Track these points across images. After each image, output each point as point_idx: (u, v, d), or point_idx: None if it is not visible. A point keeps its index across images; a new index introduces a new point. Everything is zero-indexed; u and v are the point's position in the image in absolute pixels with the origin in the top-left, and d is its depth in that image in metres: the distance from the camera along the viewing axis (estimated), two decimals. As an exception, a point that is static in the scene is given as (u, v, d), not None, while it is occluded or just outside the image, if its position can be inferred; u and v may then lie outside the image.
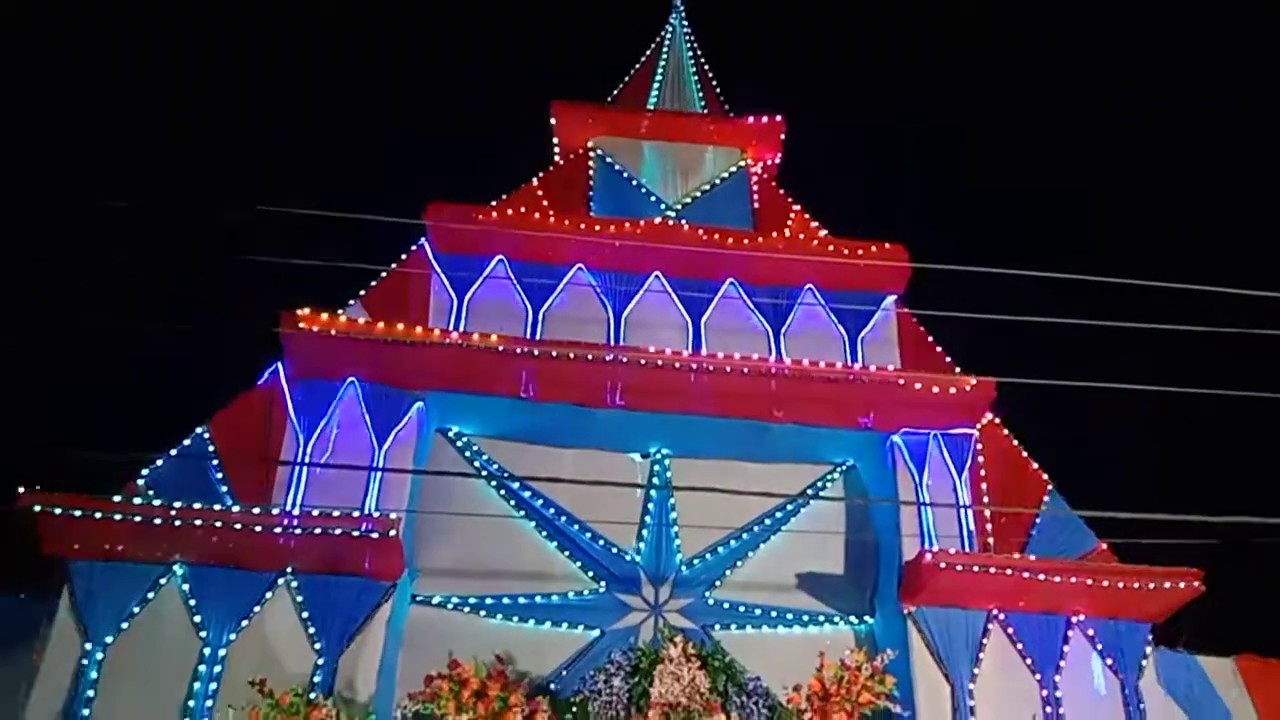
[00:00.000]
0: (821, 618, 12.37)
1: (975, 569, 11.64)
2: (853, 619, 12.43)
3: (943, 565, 11.52)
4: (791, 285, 13.80)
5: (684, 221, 14.36)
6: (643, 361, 12.52)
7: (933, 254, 12.42)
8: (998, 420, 13.31)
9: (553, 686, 11.20)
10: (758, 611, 12.25)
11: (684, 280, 13.68)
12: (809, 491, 13.00)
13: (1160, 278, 10.02)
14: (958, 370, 13.27)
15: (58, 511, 10.55)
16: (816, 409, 12.61)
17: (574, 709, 9.90)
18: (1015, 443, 13.32)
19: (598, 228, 13.75)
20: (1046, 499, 12.87)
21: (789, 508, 12.79)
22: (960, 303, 11.33)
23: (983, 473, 12.91)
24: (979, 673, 11.55)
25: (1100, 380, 10.22)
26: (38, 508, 10.53)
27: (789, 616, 12.29)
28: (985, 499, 12.66)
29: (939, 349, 13.78)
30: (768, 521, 12.73)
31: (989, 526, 12.52)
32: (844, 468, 13.33)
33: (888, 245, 13.91)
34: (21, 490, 10.55)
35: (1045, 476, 13.08)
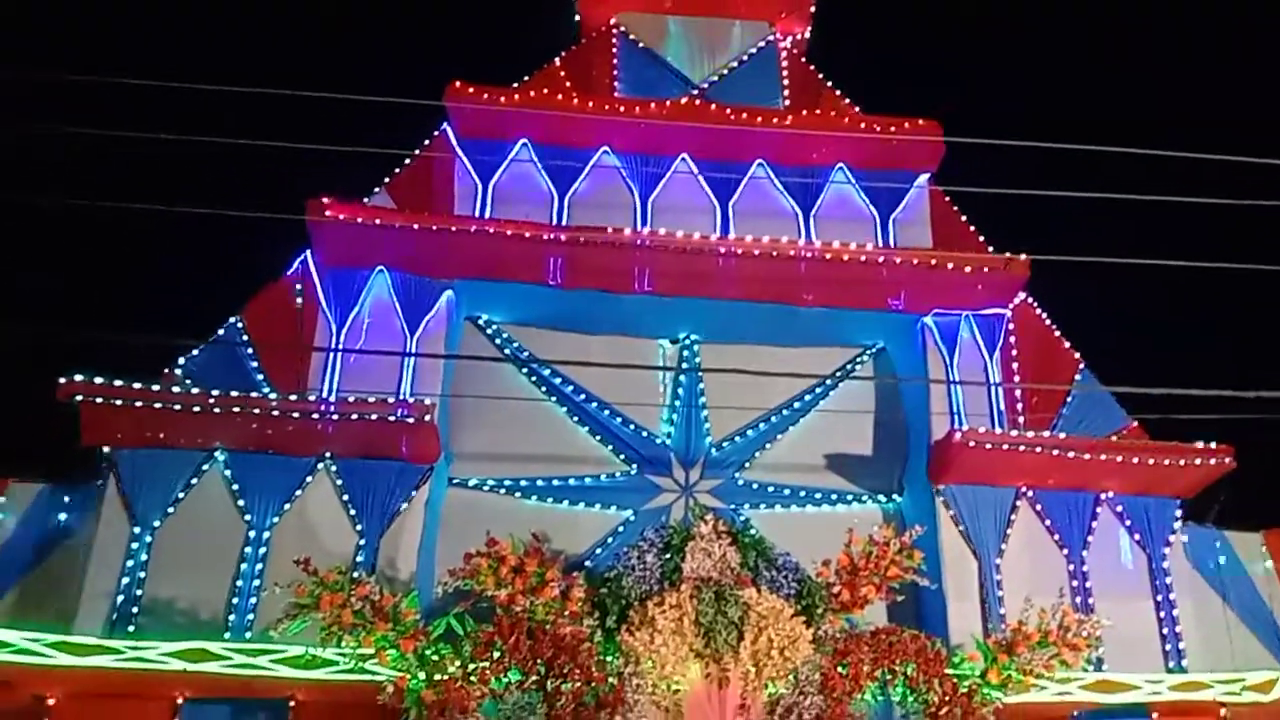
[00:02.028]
0: (850, 497, 12.55)
1: (1004, 447, 11.72)
2: (881, 498, 12.61)
3: (972, 444, 11.61)
4: (822, 165, 13.58)
5: (711, 100, 14.02)
6: (670, 246, 12.43)
7: (967, 130, 12.15)
8: (1031, 300, 13.20)
9: (587, 563, 11.48)
10: (787, 491, 12.45)
11: (712, 162, 13.44)
12: (838, 374, 13.00)
13: (1196, 149, 9.75)
14: (991, 250, 13.08)
15: (99, 401, 10.74)
16: (846, 291, 12.54)
17: (608, 584, 10.13)
18: (1047, 322, 13.24)
19: (622, 109, 13.48)
20: (1078, 377, 12.85)
21: (818, 390, 12.83)
22: (994, 180, 11.11)
23: (1014, 352, 12.89)
24: (1006, 548, 11.73)
25: (1134, 256, 10.05)
26: (79, 398, 10.73)
27: (818, 496, 12.48)
28: (1016, 379, 12.65)
29: (972, 228, 13.58)
30: (796, 405, 12.79)
31: (1019, 405, 12.55)
32: (874, 350, 13.30)
33: (921, 122, 13.56)
34: (62, 381, 10.74)
35: (1077, 355, 13.05)
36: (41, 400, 10.90)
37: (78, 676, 9.82)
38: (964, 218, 13.71)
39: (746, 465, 12.58)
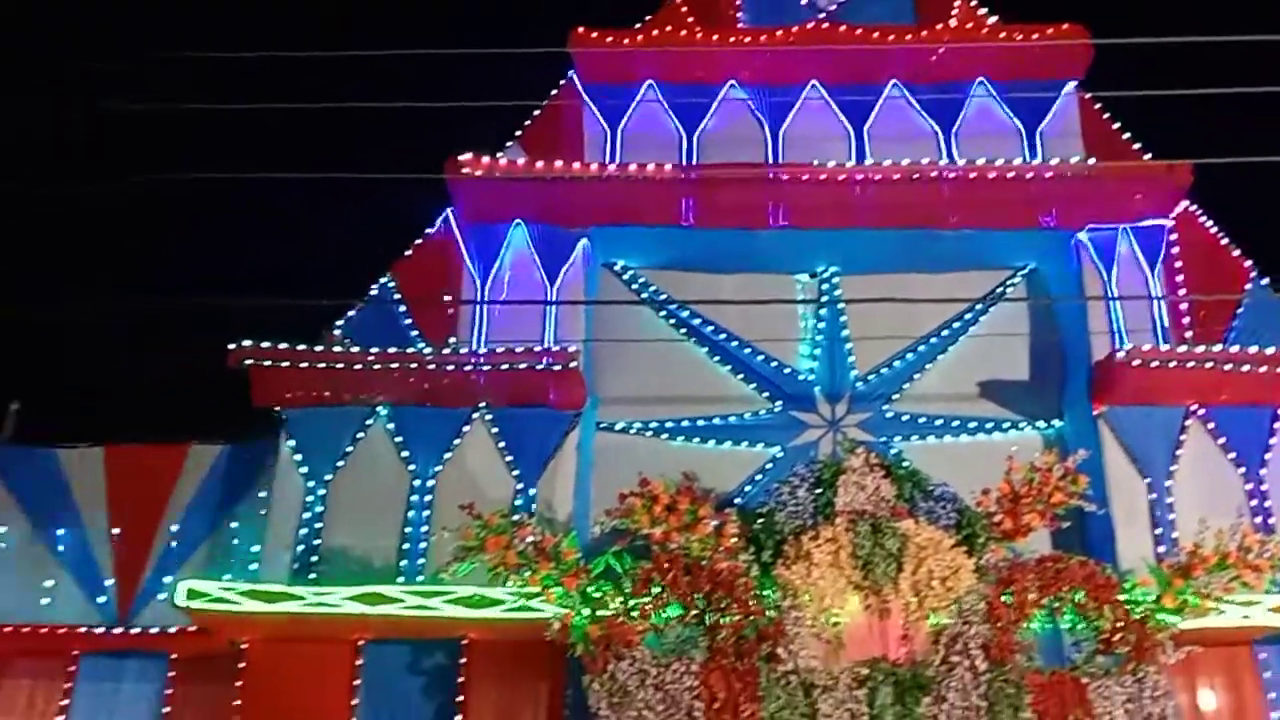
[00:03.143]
0: (1006, 424, 12.18)
1: (1172, 364, 11.19)
2: (1040, 423, 12.19)
3: (1136, 362, 11.12)
4: (960, 80, 13.01)
5: (839, 22, 13.54)
6: (804, 178, 12.20)
7: (1114, 31, 11.46)
8: (1194, 208, 12.43)
9: (737, 501, 11.51)
10: (939, 421, 12.17)
11: (843, 87, 13.05)
12: (988, 298, 12.54)
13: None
14: (1148, 157, 12.35)
15: (267, 364, 11.34)
16: (993, 212, 12.08)
17: (761, 519, 10.16)
18: (1214, 230, 12.46)
19: (748, 39, 13.21)
20: (1248, 286, 12.09)
21: (967, 316, 12.46)
22: (1147, 83, 10.47)
23: (1178, 265, 12.21)
24: (1176, 469, 11.26)
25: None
26: (249, 362, 11.35)
27: (972, 425, 12.16)
28: (1181, 292, 12.00)
29: (1126, 135, 12.85)
30: (945, 332, 12.45)
31: (1186, 320, 11.90)
32: (1025, 271, 12.81)
33: (1065, 26, 12.82)
34: (231, 347, 11.36)
35: (1248, 263, 12.27)
36: (214, 367, 11.59)
37: (267, 622, 10.49)
38: (1117, 125, 12.98)
39: (895, 397, 12.34)
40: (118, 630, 11.47)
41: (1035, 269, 12.80)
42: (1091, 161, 12.25)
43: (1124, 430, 11.34)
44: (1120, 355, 11.14)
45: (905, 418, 12.24)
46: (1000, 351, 12.37)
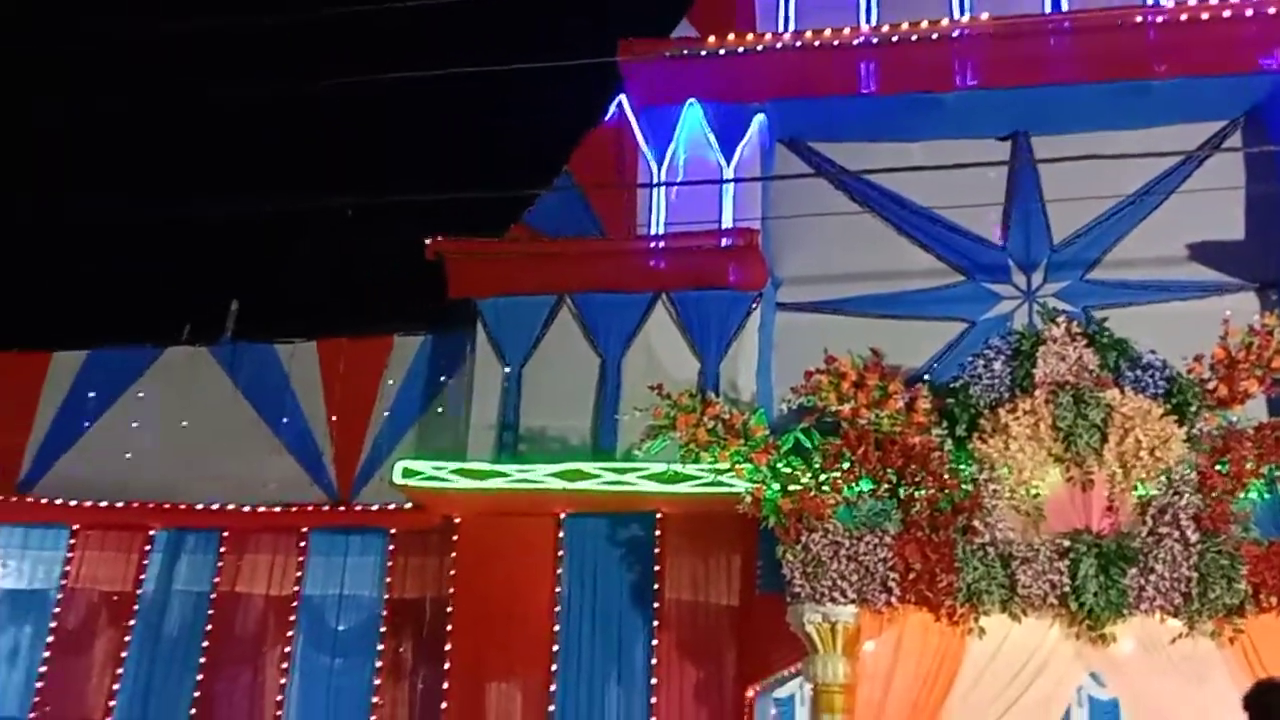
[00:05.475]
0: (1220, 286, 11.45)
1: None
2: (1257, 284, 11.40)
3: (1374, 214, 10.12)
4: (1170, -90, 11.86)
5: None
6: (994, 32, 11.54)
7: None
8: None
9: (926, 376, 11.32)
10: (1145, 287, 11.53)
11: (1038, -73, 12.13)
12: (1199, 151, 11.66)
13: None
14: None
15: (462, 256, 11.83)
16: (1207, 56, 11.13)
17: (955, 394, 9.92)
18: None
19: (928, -124, 12.37)
20: None
21: (1176, 173, 11.61)
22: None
23: None
24: None
25: None
26: (444, 254, 11.83)
27: (1181, 288, 11.48)
28: None
29: (1371, -46, 11.44)
30: (1151, 192, 11.66)
31: None
32: (1240, 121, 11.79)
33: None
34: (429, 241, 11.86)
35: None
36: (413, 261, 12.16)
37: (476, 498, 11.08)
38: (1358, -58, 11.56)
39: (1096, 263, 11.74)
40: (341, 509, 12.38)
41: (1253, 117, 11.75)
42: (1323, -8, 11.03)
43: (1355, 289, 10.47)
44: (1354, 207, 10.21)
45: (1108, 284, 11.64)
46: (1212, 209, 11.51)
